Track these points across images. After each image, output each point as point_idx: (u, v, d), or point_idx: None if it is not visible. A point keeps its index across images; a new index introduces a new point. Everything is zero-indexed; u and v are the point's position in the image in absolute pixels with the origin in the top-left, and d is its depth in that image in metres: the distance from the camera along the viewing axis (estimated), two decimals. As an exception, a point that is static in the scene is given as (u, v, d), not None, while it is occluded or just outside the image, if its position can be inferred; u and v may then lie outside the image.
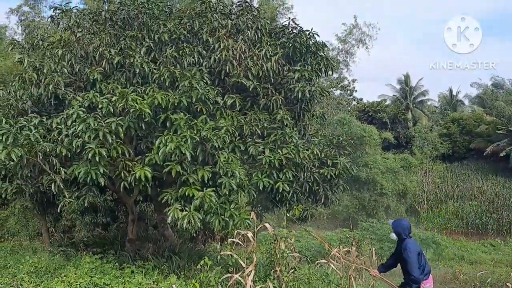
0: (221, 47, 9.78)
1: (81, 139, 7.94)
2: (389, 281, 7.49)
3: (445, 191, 39.27)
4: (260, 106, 10.07)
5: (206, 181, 8.26)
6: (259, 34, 10.68)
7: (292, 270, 8.49)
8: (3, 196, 9.40)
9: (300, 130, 11.02)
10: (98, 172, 7.99)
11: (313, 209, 10.57)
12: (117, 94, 8.41)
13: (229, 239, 8.55)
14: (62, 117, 8.61)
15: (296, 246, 10.41)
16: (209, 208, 8.02)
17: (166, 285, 8.12)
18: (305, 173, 9.96)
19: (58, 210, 10.48)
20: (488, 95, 47.59)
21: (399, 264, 7.17)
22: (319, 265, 9.91)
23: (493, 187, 38.26)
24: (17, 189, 9.13)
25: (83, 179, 8.06)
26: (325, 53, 11.21)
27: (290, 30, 11.12)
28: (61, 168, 8.32)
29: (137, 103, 8.17)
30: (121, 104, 8.22)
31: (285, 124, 9.83)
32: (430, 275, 6.88)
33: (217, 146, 8.21)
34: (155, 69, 9.50)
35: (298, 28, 11.00)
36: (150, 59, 9.79)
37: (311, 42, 10.81)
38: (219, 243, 13.97)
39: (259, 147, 9.28)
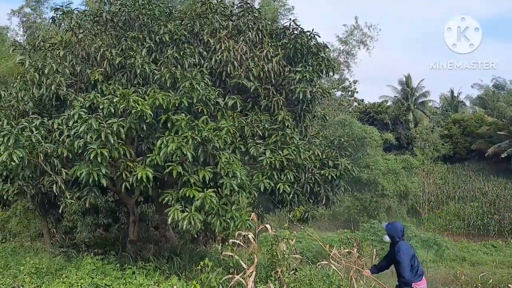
0: (222, 48, 9.80)
1: (83, 139, 7.95)
2: (383, 282, 7.49)
3: (447, 192, 39.23)
4: (261, 107, 10.07)
5: (207, 182, 8.26)
6: (260, 35, 10.68)
7: (293, 271, 8.48)
8: (5, 197, 9.40)
9: (301, 131, 11.02)
10: (100, 173, 7.99)
11: (314, 210, 10.54)
12: (118, 95, 8.41)
13: (230, 240, 8.55)
14: (64, 118, 8.63)
15: (297, 247, 10.38)
16: (210, 209, 8.02)
17: (167, 286, 8.11)
18: (306, 174, 9.95)
19: (60, 211, 10.50)
20: (490, 96, 47.53)
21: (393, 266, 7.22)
22: (320, 266, 9.88)
23: (495, 188, 38.20)
24: (18, 190, 9.13)
25: (84, 180, 8.06)
26: (326, 54, 11.21)
27: (291, 31, 11.14)
28: (62, 169, 8.34)
29: (138, 104, 8.18)
30: (123, 105, 8.22)
31: (286, 125, 9.83)
32: (423, 277, 6.91)
33: (218, 147, 8.21)
34: (156, 70, 9.51)
35: (299, 29, 11.02)
36: (151, 60, 9.80)
37: (312, 43, 10.82)
38: (220, 244, 13.98)
39: (260, 148, 9.27)
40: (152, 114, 8.34)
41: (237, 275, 7.82)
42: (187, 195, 8.05)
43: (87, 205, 9.08)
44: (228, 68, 9.75)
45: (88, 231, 14.69)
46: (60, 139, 8.42)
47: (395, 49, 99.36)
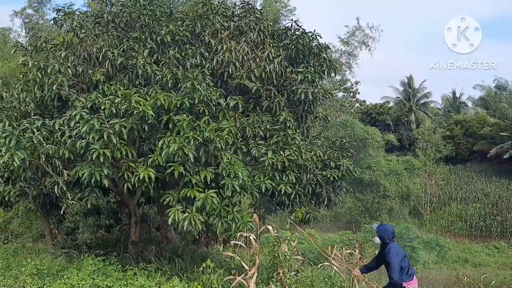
0: (224, 49, 9.79)
1: (85, 140, 7.94)
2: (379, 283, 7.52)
3: (449, 193, 39.18)
4: (262, 108, 10.05)
5: (208, 182, 8.25)
6: (261, 36, 10.67)
7: (295, 273, 8.47)
8: (6, 198, 9.40)
9: (302, 132, 11.00)
10: (102, 174, 7.98)
11: (316, 211, 10.52)
12: (120, 96, 8.41)
13: (232, 242, 8.53)
14: (65, 119, 8.62)
15: (299, 248, 10.38)
16: (211, 210, 8.00)
17: (168, 287, 8.10)
18: (308, 175, 9.92)
19: (61, 212, 10.49)
20: (492, 97, 47.48)
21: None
22: (322, 267, 9.87)
23: (497, 189, 38.12)
24: (20, 191, 9.13)
25: (87, 181, 8.05)
26: (328, 55, 11.19)
27: (292, 32, 11.12)
28: (64, 170, 8.33)
29: (140, 104, 8.17)
30: (124, 106, 8.21)
31: (288, 125, 9.81)
32: (415, 277, 7.00)
33: (219, 147, 8.20)
34: (157, 70, 9.51)
35: (301, 30, 11.00)
36: (153, 60, 9.80)
37: (313, 44, 10.80)
38: (222, 245, 13.96)
39: (262, 148, 9.25)
40: (154, 115, 8.34)
41: (238, 276, 7.81)
42: (188, 195, 8.03)
43: (88, 206, 9.09)
44: (230, 69, 9.74)
45: (90, 232, 14.70)
46: (62, 140, 8.42)
47: (396, 50, 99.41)
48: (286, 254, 8.24)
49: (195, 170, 8.33)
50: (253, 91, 9.76)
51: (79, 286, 8.06)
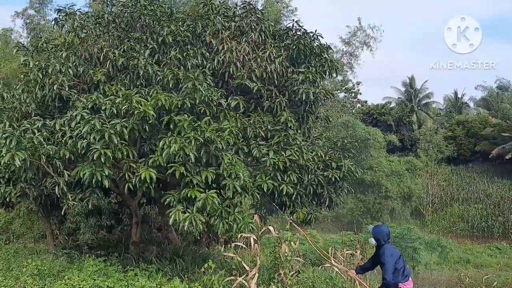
0: (225, 49, 9.78)
1: (86, 140, 7.93)
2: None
3: (450, 194, 39.10)
4: (264, 108, 10.04)
5: (209, 183, 8.23)
6: (263, 36, 10.65)
7: (296, 273, 8.45)
8: (7, 199, 9.39)
9: (304, 132, 10.98)
10: (103, 174, 7.97)
11: (317, 212, 10.50)
12: (121, 96, 8.40)
13: (233, 244, 8.52)
14: (66, 119, 8.61)
15: (300, 249, 10.34)
16: (212, 210, 7.99)
17: (169, 288, 8.10)
18: (309, 176, 9.90)
19: (63, 213, 10.48)
20: (493, 98, 47.40)
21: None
22: (323, 268, 9.85)
23: (499, 190, 38.03)
24: (20, 192, 9.12)
25: (87, 181, 8.03)
26: (329, 55, 11.17)
27: (294, 32, 11.10)
28: (65, 170, 8.32)
29: (141, 105, 8.16)
30: (125, 106, 8.20)
31: (289, 126, 9.80)
32: (410, 278, 7.08)
33: (221, 148, 8.18)
34: (159, 71, 9.50)
35: (302, 30, 10.98)
36: (154, 61, 9.79)
37: (315, 44, 10.78)
38: (223, 246, 13.95)
39: (263, 149, 9.24)
40: (155, 115, 8.32)
41: (240, 277, 7.79)
42: (188, 195, 8.02)
43: (89, 207, 9.08)
44: (231, 69, 9.73)
45: (91, 233, 14.71)
46: (63, 141, 8.41)
47: (396, 50, 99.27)
48: (287, 255, 8.21)
49: (196, 171, 8.31)
50: (254, 91, 9.75)
51: (79, 287, 8.03)
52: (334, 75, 11.61)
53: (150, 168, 8.15)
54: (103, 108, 8.28)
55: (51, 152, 8.12)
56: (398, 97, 52.32)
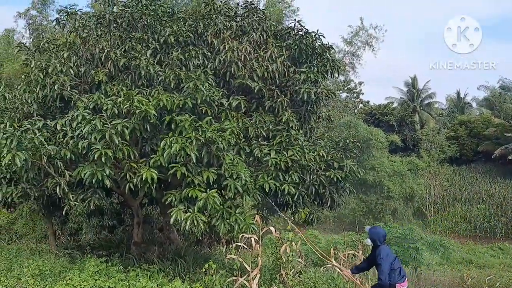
0: (226, 49, 9.77)
1: (87, 140, 7.92)
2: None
3: (453, 194, 38.99)
4: (265, 108, 10.02)
5: (211, 183, 8.21)
6: (264, 36, 10.64)
7: (297, 274, 8.42)
8: (9, 199, 9.39)
9: (306, 132, 10.95)
10: (104, 174, 7.96)
11: (319, 212, 10.47)
12: (122, 96, 8.39)
13: (234, 243, 8.50)
14: (67, 119, 8.61)
15: (302, 250, 10.32)
16: (213, 210, 7.97)
17: (170, 288, 8.08)
18: (311, 176, 9.88)
19: (64, 213, 10.48)
20: (496, 98, 47.27)
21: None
22: (325, 268, 9.81)
23: (502, 190, 37.90)
24: (22, 192, 9.10)
25: (88, 181, 8.03)
26: (331, 55, 11.14)
27: (296, 32, 11.08)
28: (66, 171, 8.31)
29: (142, 104, 8.15)
30: (127, 106, 8.19)
31: (291, 126, 9.78)
32: (406, 278, 7.19)
33: (222, 148, 8.16)
34: (160, 71, 9.48)
35: (304, 30, 10.96)
36: (155, 61, 9.78)
37: (317, 44, 10.77)
38: (225, 246, 13.92)
39: (264, 149, 9.22)
40: (156, 115, 8.31)
41: (241, 277, 7.77)
42: (190, 195, 8.00)
43: (91, 207, 9.05)
44: (232, 69, 9.72)
45: (93, 233, 14.71)
46: (64, 141, 8.40)
47: (398, 50, 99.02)
48: (288, 255, 8.18)
49: (198, 171, 8.30)
50: (255, 91, 9.73)
51: (81, 287, 8.02)
52: (336, 75, 11.57)
53: (152, 168, 8.14)
54: (104, 108, 8.27)
55: (52, 152, 8.11)
56: (401, 97, 52.24)
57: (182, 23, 10.57)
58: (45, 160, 8.06)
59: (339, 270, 7.95)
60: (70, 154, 8.17)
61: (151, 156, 8.31)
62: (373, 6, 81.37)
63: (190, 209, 7.99)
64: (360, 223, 29.30)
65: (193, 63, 9.66)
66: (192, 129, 8.14)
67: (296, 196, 9.41)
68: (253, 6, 11.34)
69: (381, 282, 6.85)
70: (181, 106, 8.59)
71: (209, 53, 10.05)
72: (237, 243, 8.32)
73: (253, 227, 8.20)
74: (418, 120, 49.04)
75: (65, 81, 9.10)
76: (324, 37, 10.86)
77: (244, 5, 11.42)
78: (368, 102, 51.71)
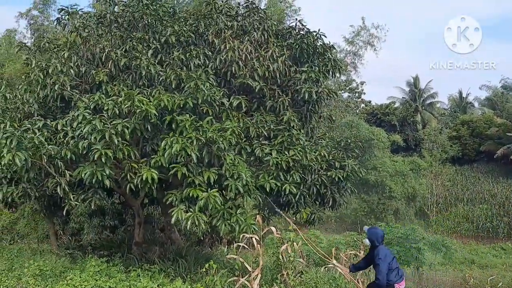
0: (227, 48, 9.74)
1: (87, 140, 7.91)
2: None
3: (455, 194, 38.87)
4: (266, 108, 10.00)
5: (212, 183, 8.19)
6: (265, 35, 10.61)
7: (299, 274, 8.39)
8: (10, 199, 9.38)
9: (307, 132, 10.93)
10: (104, 174, 7.94)
11: (321, 212, 10.44)
12: (123, 96, 8.38)
13: (236, 244, 8.48)
14: (68, 119, 8.60)
15: (303, 250, 10.28)
16: (214, 210, 7.95)
17: (171, 288, 8.06)
18: (313, 176, 9.85)
19: (65, 213, 10.47)
20: (498, 97, 47.13)
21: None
22: (326, 269, 9.77)
23: (504, 190, 37.77)
24: (23, 192, 9.09)
25: (88, 181, 8.01)
26: (332, 55, 11.11)
27: (297, 31, 11.06)
28: (66, 171, 8.29)
29: (143, 104, 8.13)
30: (127, 106, 8.18)
31: (292, 125, 9.75)
32: (404, 278, 7.28)
33: (223, 148, 8.14)
34: (161, 71, 9.46)
35: (305, 29, 10.93)
36: (156, 61, 9.76)
37: (318, 44, 10.75)
38: (226, 246, 13.90)
39: (266, 148, 9.19)
40: (157, 114, 8.29)
41: (242, 277, 7.75)
42: (191, 195, 7.99)
43: (92, 207, 9.04)
44: (233, 68, 9.69)
45: (95, 233, 14.69)
46: (65, 141, 8.39)
47: (398, 50, 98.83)
48: (290, 255, 8.16)
49: (198, 171, 8.28)
50: (256, 90, 9.71)
51: (81, 287, 8.01)
52: (338, 74, 11.55)
53: (152, 169, 8.13)
54: (105, 108, 8.26)
55: (53, 152, 8.10)
56: (403, 97, 52.14)
57: (183, 22, 10.56)
58: (46, 160, 8.05)
59: (340, 270, 7.95)
60: (70, 154, 8.16)
61: (152, 156, 8.29)
62: (374, 6, 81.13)
63: (191, 209, 7.98)
64: (362, 223, 29.22)
65: (194, 62, 9.63)
66: (193, 129, 8.12)
67: (297, 196, 9.39)
68: (254, 5, 11.32)
69: (378, 282, 6.95)
70: (182, 106, 8.57)
71: (210, 53, 10.03)
72: (238, 243, 8.29)
73: (254, 228, 8.18)
74: (420, 120, 48.96)
75: (66, 81, 9.09)
76: (325, 36, 10.85)
77: (245, 5, 11.40)
78: (370, 102, 51.65)
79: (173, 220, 7.99)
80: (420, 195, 35.59)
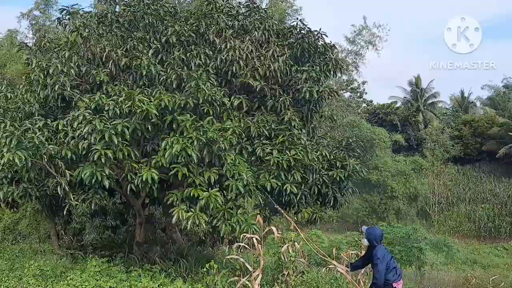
0: (228, 47, 9.72)
1: (87, 141, 7.89)
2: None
3: (457, 194, 38.81)
4: (267, 107, 9.97)
5: (212, 183, 8.17)
6: (266, 34, 10.58)
7: (300, 274, 8.37)
8: (10, 199, 9.37)
9: (308, 131, 10.90)
10: (104, 174, 7.92)
11: (322, 211, 10.42)
12: (124, 96, 8.36)
13: (236, 244, 8.47)
14: (68, 119, 8.58)
15: (305, 250, 10.26)
16: (215, 210, 7.93)
17: (172, 289, 8.04)
18: (314, 175, 9.83)
19: (66, 213, 10.46)
20: (500, 97, 47.04)
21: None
22: (327, 269, 9.75)
23: (506, 190, 37.69)
24: (23, 192, 9.08)
25: (88, 181, 7.99)
26: (333, 54, 11.08)
27: (298, 30, 11.00)
28: (67, 170, 8.27)
29: (143, 104, 8.11)
30: (128, 106, 8.16)
31: (293, 125, 9.72)
32: (401, 277, 7.36)
33: (223, 148, 8.12)
34: (162, 71, 9.44)
35: (306, 28, 10.88)
36: (157, 61, 9.74)
37: (319, 43, 10.71)
38: (228, 246, 13.88)
39: (267, 148, 9.17)
40: (158, 114, 8.26)
41: (243, 277, 7.73)
42: (191, 195, 7.97)
43: (92, 207, 9.02)
44: (234, 67, 9.66)
45: (96, 233, 14.67)
46: (65, 141, 8.37)
47: (401, 50, 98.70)
48: (290, 255, 8.13)
49: (199, 171, 8.26)
50: (257, 90, 9.68)
51: (82, 287, 8.00)
52: (339, 74, 11.52)
53: (153, 169, 8.10)
54: (106, 108, 8.24)
55: (53, 152, 8.08)
56: (404, 97, 52.04)
57: (184, 22, 10.53)
58: (46, 160, 8.03)
59: (341, 271, 7.94)
60: (71, 154, 8.14)
61: (153, 157, 8.27)
62: (375, 7, 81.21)
63: (192, 209, 7.96)
64: (363, 223, 29.22)
65: (195, 62, 9.61)
66: (194, 129, 8.08)
67: (298, 196, 9.37)
68: (255, 5, 11.30)
69: (376, 282, 7.03)
70: (182, 105, 8.54)
71: (211, 52, 10.00)
72: (238, 243, 8.28)
73: (254, 228, 8.16)
74: (421, 120, 48.82)
75: (66, 81, 9.06)
76: (326, 36, 10.81)
77: (246, 4, 11.38)
78: (371, 101, 51.59)
79: (173, 220, 7.97)
80: (422, 195, 35.56)
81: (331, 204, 10.37)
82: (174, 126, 8.37)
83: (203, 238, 14.98)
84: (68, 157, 8.13)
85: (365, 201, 32.95)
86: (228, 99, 9.34)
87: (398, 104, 51.19)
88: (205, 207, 7.88)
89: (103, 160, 7.77)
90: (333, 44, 11.14)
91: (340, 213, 28.02)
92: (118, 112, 8.23)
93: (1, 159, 7.34)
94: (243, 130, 9.03)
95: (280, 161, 8.94)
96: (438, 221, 36.02)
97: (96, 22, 10.51)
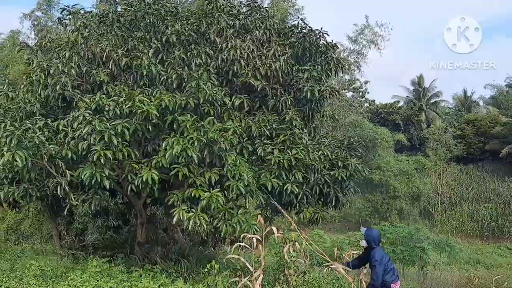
0: (229, 47, 9.68)
1: (86, 141, 7.87)
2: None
3: (460, 193, 38.67)
4: (268, 107, 9.93)
5: (213, 184, 8.14)
6: (267, 34, 10.53)
7: (302, 274, 8.33)
8: (11, 199, 9.36)
9: (310, 131, 10.85)
10: (103, 175, 7.90)
11: (324, 211, 10.37)
12: (124, 96, 8.34)
13: (237, 243, 8.43)
14: (68, 120, 8.56)
15: (306, 250, 10.22)
16: (216, 210, 7.89)
17: (172, 289, 8.02)
18: (315, 175, 9.78)
19: (67, 214, 10.45)
20: (503, 96, 46.92)
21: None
22: (329, 269, 9.70)
23: (509, 189, 37.53)
24: (24, 192, 9.05)
25: (88, 182, 7.97)
26: (335, 54, 11.03)
27: (299, 30, 10.95)
28: (67, 171, 8.25)
29: (144, 104, 8.08)
30: (128, 106, 8.13)
31: (294, 124, 9.68)
32: (399, 278, 7.57)
33: (224, 148, 8.08)
34: (162, 70, 9.41)
35: (308, 28, 10.84)
36: (157, 60, 9.71)
37: (321, 42, 10.66)
38: (229, 246, 13.85)
39: (268, 147, 9.13)
40: (158, 114, 8.24)
41: (244, 278, 7.69)
42: (193, 195, 7.95)
43: (92, 208, 8.99)
44: (235, 67, 9.62)
45: (98, 233, 14.68)
46: (65, 141, 8.36)
47: (402, 49, 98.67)
48: (292, 255, 8.09)
49: (200, 172, 8.23)
50: (258, 89, 9.64)
51: (82, 288, 8.00)
52: (341, 73, 11.48)
53: (153, 170, 8.08)
54: (106, 109, 8.21)
55: (53, 152, 8.06)
56: (407, 96, 52.00)
57: (185, 21, 10.51)
58: (46, 160, 8.00)
59: (341, 271, 7.96)
60: (71, 154, 8.12)
61: (153, 157, 8.25)
62: (377, 6, 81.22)
63: (193, 209, 7.93)
64: (366, 223, 29.19)
65: (196, 62, 9.58)
66: (194, 129, 8.05)
67: (300, 196, 9.33)
68: (256, 4, 11.26)
69: (374, 283, 7.20)
70: (183, 106, 8.51)
71: (211, 52, 9.96)
72: (239, 244, 8.24)
73: (255, 228, 8.13)
74: (424, 119, 48.71)
75: (67, 81, 9.05)
76: (328, 35, 10.75)
77: (247, 3, 11.34)
78: (373, 101, 51.48)
79: (174, 220, 7.95)
80: (424, 194, 35.48)
81: (333, 204, 10.33)
82: (174, 126, 8.34)
83: (205, 238, 14.96)
84: (69, 157, 8.11)
85: (368, 201, 32.90)
86: (229, 98, 9.30)
87: (401, 104, 51.13)
88: (207, 207, 7.85)
89: (102, 160, 7.75)
90: (335, 43, 11.09)
91: (342, 213, 28.03)
92: (119, 112, 8.21)
93: (1, 158, 7.31)
94: (244, 129, 8.99)
95: (281, 161, 8.90)
96: (441, 220, 35.91)
97: (97, 22, 10.50)
